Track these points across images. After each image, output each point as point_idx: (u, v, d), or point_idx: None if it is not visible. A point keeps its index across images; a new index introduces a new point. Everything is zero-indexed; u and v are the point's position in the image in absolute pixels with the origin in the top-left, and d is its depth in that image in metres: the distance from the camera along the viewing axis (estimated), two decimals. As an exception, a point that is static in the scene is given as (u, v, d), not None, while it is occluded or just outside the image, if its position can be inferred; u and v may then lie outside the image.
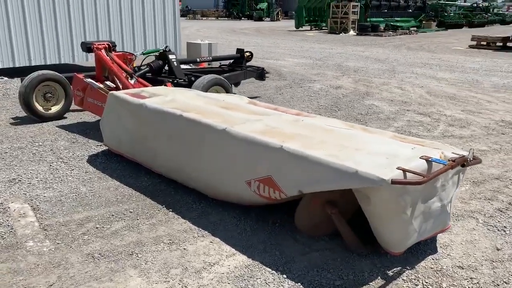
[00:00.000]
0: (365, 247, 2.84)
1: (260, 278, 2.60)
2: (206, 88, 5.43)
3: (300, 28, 29.72)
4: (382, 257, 2.80)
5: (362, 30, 25.33)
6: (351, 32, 25.84)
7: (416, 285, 2.56)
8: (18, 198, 3.58)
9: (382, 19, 28.13)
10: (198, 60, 6.83)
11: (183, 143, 3.52)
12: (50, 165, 4.29)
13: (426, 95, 8.24)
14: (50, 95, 5.83)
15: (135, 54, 5.84)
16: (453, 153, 2.77)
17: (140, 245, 2.92)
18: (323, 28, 30.04)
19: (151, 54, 6.22)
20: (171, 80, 5.72)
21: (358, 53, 15.50)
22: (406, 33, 26.74)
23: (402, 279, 2.61)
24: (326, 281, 2.57)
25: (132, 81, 5.21)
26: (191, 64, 7.39)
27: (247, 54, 7.28)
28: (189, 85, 5.62)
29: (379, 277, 2.62)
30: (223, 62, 7.95)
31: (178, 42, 11.05)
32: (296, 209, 2.89)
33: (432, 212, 2.70)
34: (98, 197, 3.62)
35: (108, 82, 5.48)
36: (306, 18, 29.74)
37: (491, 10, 42.95)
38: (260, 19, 47.10)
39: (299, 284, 2.54)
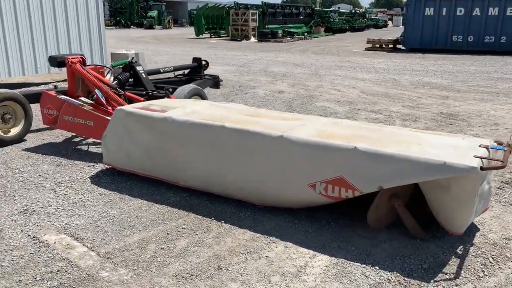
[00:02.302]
0: (426, 233, 3.13)
1: (356, 272, 2.74)
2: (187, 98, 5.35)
3: (201, 36, 29.85)
4: (442, 239, 3.11)
5: (263, 37, 26.30)
6: (253, 39, 26.67)
7: (486, 258, 2.91)
8: (48, 230, 3.24)
9: (278, 26, 29.48)
10: (161, 70, 6.63)
11: (225, 154, 3.49)
12: (55, 191, 3.91)
13: (363, 95, 8.96)
14: (8, 116, 5.26)
15: (106, 66, 5.51)
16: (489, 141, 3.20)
17: (221, 259, 2.87)
18: (222, 35, 30.55)
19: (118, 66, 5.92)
20: (150, 92, 5.52)
21: (273, 59, 16.12)
22: (302, 39, 28.37)
23: (472, 255, 2.94)
24: (415, 266, 2.80)
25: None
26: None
27: (204, 63, 7.26)
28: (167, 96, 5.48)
29: (453, 257, 2.92)
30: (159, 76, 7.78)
31: (104, 52, 10.57)
32: (371, 206, 3.07)
33: (484, 193, 3.08)
34: (136, 218, 3.43)
35: (83, 98, 5.11)
36: (205, 26, 29.97)
37: (367, 15, 47.43)
38: (151, 27, 46.17)
39: (395, 272, 2.73)
